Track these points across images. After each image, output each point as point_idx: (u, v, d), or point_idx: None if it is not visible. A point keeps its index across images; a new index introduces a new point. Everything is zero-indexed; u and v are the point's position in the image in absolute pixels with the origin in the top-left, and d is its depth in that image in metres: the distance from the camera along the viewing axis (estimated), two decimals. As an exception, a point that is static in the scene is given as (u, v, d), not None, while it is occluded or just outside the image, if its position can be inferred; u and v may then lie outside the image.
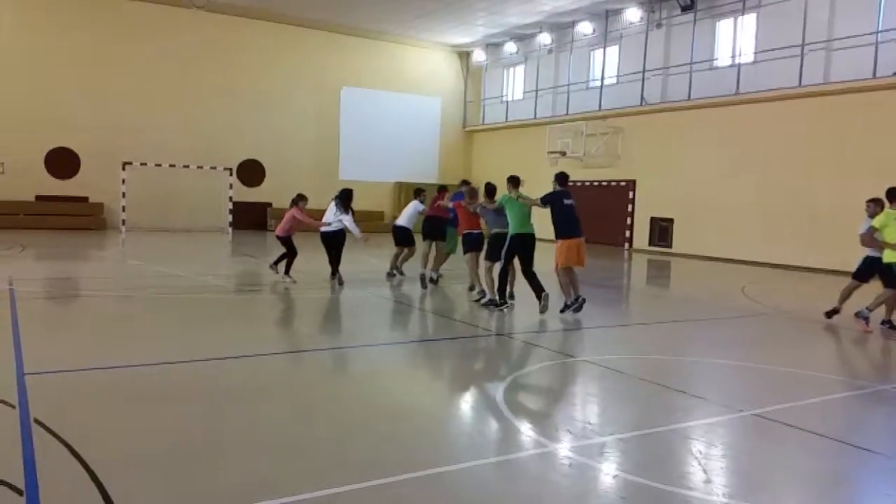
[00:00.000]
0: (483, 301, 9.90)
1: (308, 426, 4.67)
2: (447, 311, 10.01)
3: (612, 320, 10.19)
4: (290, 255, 11.80)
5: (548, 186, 9.70)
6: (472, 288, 10.86)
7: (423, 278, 11.77)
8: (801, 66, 17.73)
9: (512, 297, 10.08)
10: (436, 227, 12.29)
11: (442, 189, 12.71)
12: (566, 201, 9.36)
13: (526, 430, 4.66)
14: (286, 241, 11.84)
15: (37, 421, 4.36)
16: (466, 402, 5.49)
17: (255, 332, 8.39)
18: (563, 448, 4.33)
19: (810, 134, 17.76)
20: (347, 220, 11.53)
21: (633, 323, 9.55)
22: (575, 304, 9.29)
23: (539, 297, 9.25)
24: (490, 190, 10.25)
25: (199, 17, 24.24)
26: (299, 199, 12.01)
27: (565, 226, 9.30)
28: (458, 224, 11.35)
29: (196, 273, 12.56)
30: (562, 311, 9.32)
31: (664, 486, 3.82)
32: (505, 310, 9.57)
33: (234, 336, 7.78)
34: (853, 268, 9.93)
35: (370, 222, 27.64)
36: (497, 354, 7.36)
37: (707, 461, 4.29)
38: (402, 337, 7.96)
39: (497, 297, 9.64)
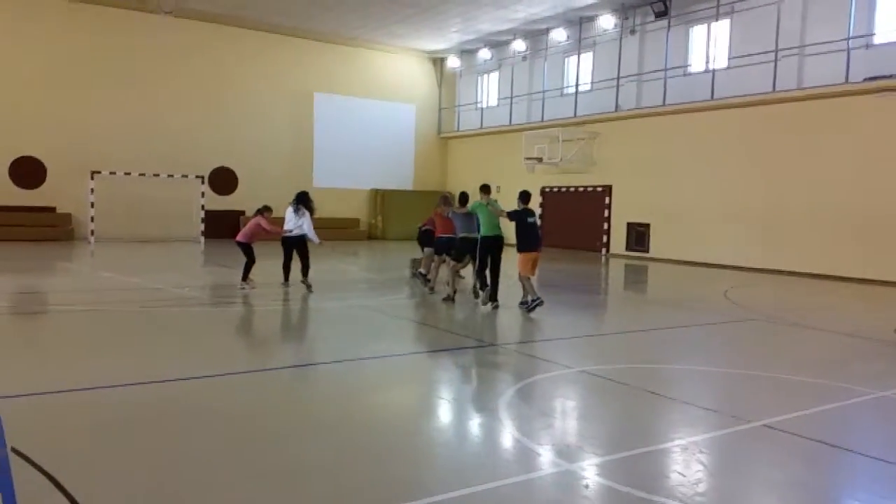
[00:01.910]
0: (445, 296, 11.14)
1: (301, 449, 4.43)
2: (434, 322, 9.81)
3: (602, 328, 10.09)
4: (249, 262, 11.93)
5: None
6: (477, 294, 11.15)
7: (423, 277, 12.37)
8: (775, 71, 17.92)
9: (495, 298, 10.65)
10: (443, 241, 11.87)
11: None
12: (529, 219, 10.41)
13: (535, 448, 4.48)
14: (246, 247, 11.97)
15: (14, 450, 4.06)
16: (468, 419, 5.29)
17: (238, 347, 8.14)
18: (578, 467, 4.16)
19: (784, 139, 17.95)
20: (307, 227, 11.77)
21: (626, 331, 9.44)
22: (531, 304, 10.12)
23: (483, 289, 10.67)
24: (463, 198, 11.25)
25: (169, 24, 23.76)
26: (264, 210, 12.13)
27: (525, 241, 10.35)
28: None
29: (172, 285, 12.18)
30: (528, 309, 10.14)
31: (687, 505, 3.67)
32: (491, 307, 10.43)
33: (218, 352, 7.50)
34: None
35: (346, 230, 27.42)
36: (492, 366, 7.18)
37: (722, 476, 4.17)
38: (391, 350, 7.72)
39: (452, 294, 11.01)
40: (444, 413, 5.44)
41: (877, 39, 16.66)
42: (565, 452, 4.44)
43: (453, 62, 29.02)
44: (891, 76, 15.75)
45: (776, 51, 17.86)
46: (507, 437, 4.74)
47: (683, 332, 9.36)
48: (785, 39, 17.81)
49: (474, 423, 5.14)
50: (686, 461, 4.47)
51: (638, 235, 22.39)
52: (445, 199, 11.84)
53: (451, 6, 22.63)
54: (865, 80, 16.20)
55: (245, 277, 11.92)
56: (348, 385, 6.14)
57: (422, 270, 12.73)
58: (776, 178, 18.13)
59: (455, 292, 11.11)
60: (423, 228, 13.00)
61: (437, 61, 29.93)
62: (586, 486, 3.90)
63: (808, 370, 7.14)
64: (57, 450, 4.22)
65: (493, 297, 10.54)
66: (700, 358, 7.87)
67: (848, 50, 16.55)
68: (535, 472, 4.12)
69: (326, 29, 25.82)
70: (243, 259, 11.96)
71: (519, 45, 25.87)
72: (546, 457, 4.36)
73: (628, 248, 22.56)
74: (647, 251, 21.88)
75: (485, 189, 10.81)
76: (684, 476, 4.19)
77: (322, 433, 4.74)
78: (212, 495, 3.69)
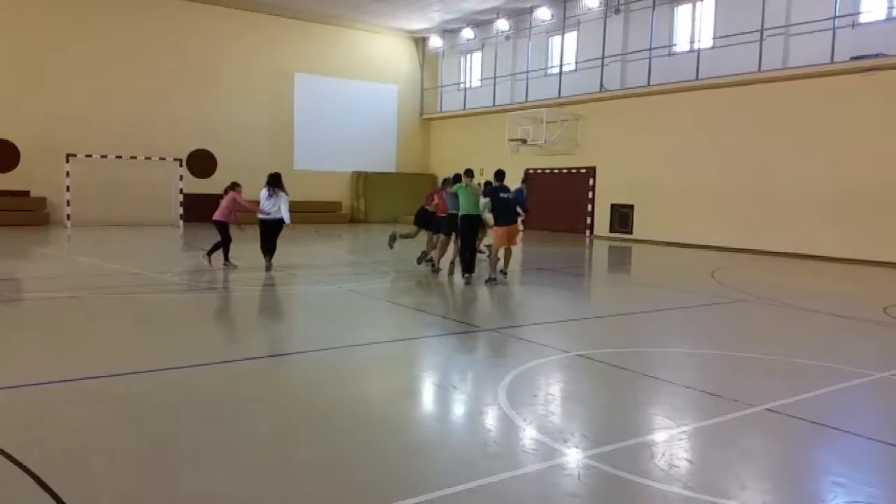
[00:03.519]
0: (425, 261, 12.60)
1: (296, 443, 4.26)
2: (425, 306, 9.66)
3: (594, 310, 10.00)
4: (226, 241, 12.01)
5: (510, 173, 11.97)
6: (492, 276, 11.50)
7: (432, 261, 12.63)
8: (760, 51, 17.85)
9: (504, 273, 11.78)
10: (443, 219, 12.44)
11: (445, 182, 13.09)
12: (502, 195, 11.29)
13: (542, 438, 4.35)
14: (223, 226, 12.04)
15: (-3, 448, 3.85)
16: (469, 408, 5.14)
17: (225, 334, 7.93)
18: (588, 456, 4.04)
19: (769, 118, 17.93)
20: (284, 208, 11.85)
21: (618, 313, 9.36)
22: (495, 276, 11.24)
23: (453, 264, 11.93)
24: (456, 179, 12.00)
25: (146, 1, 23.13)
26: (235, 186, 12.31)
27: (500, 215, 11.28)
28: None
29: (152, 270, 11.88)
30: (486, 282, 11.12)
31: (703, 495, 3.56)
32: (465, 280, 11.25)
33: (204, 340, 7.30)
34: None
35: (328, 213, 27.10)
36: (488, 351, 7.04)
37: (734, 464, 4.07)
38: (384, 336, 7.56)
39: (434, 264, 12.35)
40: (444, 402, 5.29)
41: (862, 18, 16.66)
42: (573, 441, 4.31)
43: (435, 42, 28.67)
44: (876, 55, 15.74)
45: (761, 30, 17.78)
46: (512, 426, 4.60)
47: (675, 314, 9.29)
48: (770, 19, 17.74)
49: (476, 413, 4.99)
50: (695, 448, 4.37)
51: (622, 217, 22.36)
52: (446, 181, 12.64)
53: (434, -16, 22.28)
54: (851, 59, 16.19)
55: (226, 258, 12.09)
56: (342, 373, 5.96)
57: (431, 256, 12.94)
58: (761, 158, 18.13)
59: (452, 265, 12.08)
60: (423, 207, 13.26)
61: (419, 41, 29.53)
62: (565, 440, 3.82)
63: (803, 352, 7.09)
64: (40, 446, 4.01)
65: (467, 269, 11.41)
66: (695, 340, 7.80)
67: (834, 29, 16.52)
68: (543, 463, 3.98)
69: (307, 8, 25.32)
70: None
71: (502, 25, 25.58)
72: (553, 446, 4.22)
73: (612, 229, 22.54)
74: (631, 232, 21.87)
75: (467, 173, 11.70)
76: (695, 464, 4.09)
77: (316, 425, 4.57)
78: (207, 492, 3.51)
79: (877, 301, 10.43)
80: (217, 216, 12.15)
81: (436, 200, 12.56)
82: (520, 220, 13.19)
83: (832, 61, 16.51)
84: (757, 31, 17.87)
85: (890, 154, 15.57)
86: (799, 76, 17.16)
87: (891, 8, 16.24)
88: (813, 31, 16.92)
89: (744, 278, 13.34)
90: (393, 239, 13.69)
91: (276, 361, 6.34)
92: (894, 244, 15.48)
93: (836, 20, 16.54)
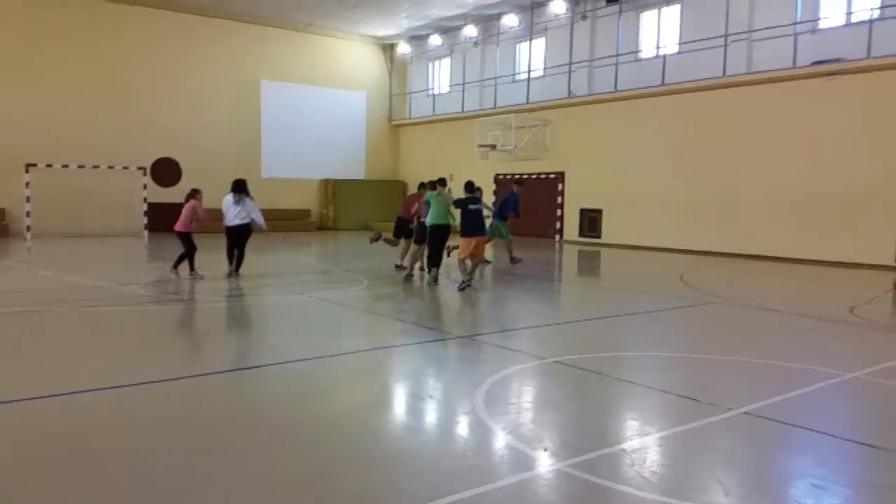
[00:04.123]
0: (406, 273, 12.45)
1: (271, 458, 4.12)
2: (398, 314, 9.55)
3: (567, 315, 9.99)
4: (191, 250, 11.79)
5: (479, 179, 12.51)
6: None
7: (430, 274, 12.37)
8: (725, 56, 18.13)
9: (469, 282, 11.35)
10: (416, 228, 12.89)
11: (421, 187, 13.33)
12: (471, 206, 11.38)
13: (522, 447, 4.28)
14: (186, 236, 11.81)
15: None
16: (447, 418, 5.05)
17: (194, 347, 7.73)
18: (569, 465, 3.97)
19: (734, 122, 18.20)
20: (255, 213, 11.87)
21: (591, 318, 9.35)
22: (464, 285, 11.07)
23: (422, 269, 12.31)
24: (431, 186, 12.18)
25: (107, 7, 22.69)
26: (196, 193, 12.01)
27: (466, 227, 11.31)
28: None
29: (116, 282, 11.57)
30: (459, 289, 11.02)
31: (685, 503, 3.52)
32: (430, 279, 11.68)
33: (172, 354, 7.09)
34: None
35: (297, 220, 26.79)
36: (463, 359, 6.96)
37: (715, 470, 4.05)
38: (357, 346, 7.43)
39: (409, 272, 12.36)
40: (422, 413, 5.19)
41: (822, 24, 17.00)
42: (553, 450, 4.25)
43: (403, 48, 28.59)
44: (836, 60, 16.09)
45: (725, 36, 18.06)
46: (491, 436, 4.53)
47: (648, 318, 9.32)
48: (734, 24, 18.03)
49: (454, 423, 4.91)
50: (675, 454, 4.34)
51: (590, 221, 22.50)
52: (423, 184, 12.98)
53: (401, -10, 22.23)
54: (812, 63, 16.52)
55: (191, 268, 11.88)
56: (315, 385, 5.83)
57: (402, 262, 13.34)
58: (726, 162, 18.39)
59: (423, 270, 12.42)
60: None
61: (387, 47, 29.44)
62: (545, 449, 3.75)
63: (775, 353, 7.15)
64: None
65: (430, 271, 11.79)
66: (668, 343, 7.82)
67: (795, 34, 16.85)
68: (524, 473, 3.91)
69: (273, 14, 25.08)
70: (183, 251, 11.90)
71: (470, 31, 25.61)
72: (533, 455, 4.16)
73: (581, 233, 22.66)
74: (600, 237, 22.01)
75: (440, 182, 11.91)
76: (676, 470, 4.05)
77: (291, 440, 4.44)
78: (178, 515, 3.37)
79: (843, 301, 10.59)
80: (178, 227, 11.90)
81: (416, 207, 12.70)
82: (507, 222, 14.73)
83: (794, 66, 16.83)
84: (721, 37, 18.14)
85: (852, 156, 15.91)
86: (762, 80, 17.46)
87: (849, 14, 16.61)
88: (775, 37, 17.23)
89: (711, 281, 13.47)
90: (376, 238, 14.19)
91: (245, 375, 6.17)
92: (857, 245, 15.80)
93: (798, 26, 16.88)
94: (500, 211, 14.91)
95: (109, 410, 4.95)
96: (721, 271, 15.17)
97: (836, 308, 9.99)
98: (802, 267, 15.79)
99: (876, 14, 15.75)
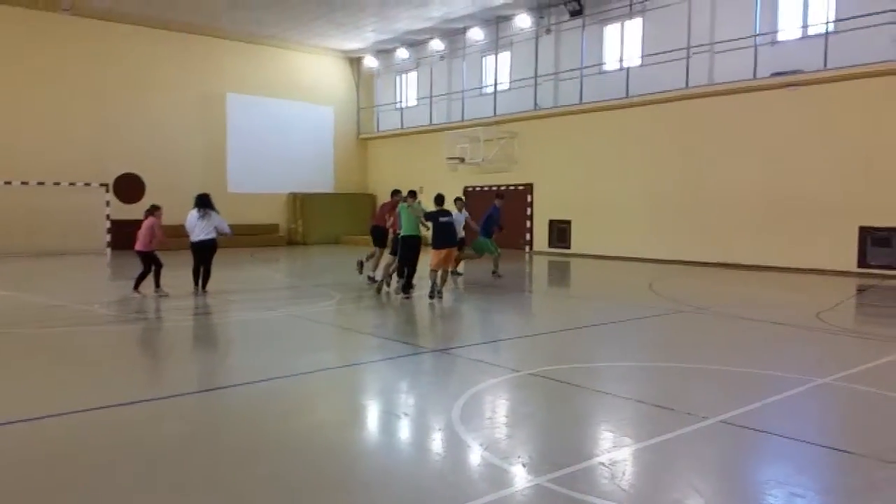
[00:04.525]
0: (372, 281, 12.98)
1: (239, 482, 3.99)
2: (369, 328, 9.42)
3: (540, 327, 9.96)
4: (157, 268, 11.62)
5: (448, 192, 13.01)
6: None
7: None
8: (687, 68, 18.44)
9: (440, 294, 11.58)
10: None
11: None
12: (441, 219, 11.62)
13: (501, 464, 4.21)
14: (148, 255, 11.58)
15: None
16: (423, 435, 4.96)
17: (159, 368, 7.52)
18: (549, 480, 3.91)
19: (697, 133, 18.50)
20: (220, 223, 11.82)
21: (564, 329, 9.34)
22: (433, 295, 11.38)
23: (397, 279, 12.14)
24: (410, 194, 12.25)
25: (68, 22, 22.23)
26: (155, 209, 11.78)
27: (436, 239, 11.57)
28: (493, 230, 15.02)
29: (77, 301, 11.26)
30: (429, 297, 11.37)
31: (668, 515, 3.49)
32: (402, 297, 11.61)
33: (137, 376, 6.89)
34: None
35: (265, 235, 26.48)
36: (437, 374, 6.87)
37: (695, 481, 4.03)
38: (328, 363, 7.29)
39: (380, 284, 12.47)
40: (396, 429, 5.09)
41: (780, 36, 17.41)
42: (532, 465, 4.19)
43: (370, 62, 28.55)
44: (794, 72, 16.47)
45: (688, 48, 18.38)
46: (468, 452, 4.46)
47: (619, 328, 9.35)
48: (695, 37, 18.36)
49: (430, 439, 4.82)
50: (654, 465, 4.31)
51: (560, 232, 22.62)
52: (397, 191, 13.16)
53: (367, 4, 22.19)
54: (772, 75, 16.89)
55: (157, 285, 11.69)
56: (287, 405, 5.69)
57: (372, 274, 13.56)
58: (690, 172, 18.66)
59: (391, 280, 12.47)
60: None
61: (354, 61, 29.38)
62: (524, 465, 3.68)
63: (747, 361, 7.20)
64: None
65: (405, 288, 11.74)
66: (642, 353, 7.84)
67: (755, 46, 17.22)
68: (503, 490, 3.84)
69: (238, 28, 24.85)
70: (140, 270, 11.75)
71: (437, 45, 25.69)
72: (512, 471, 4.10)
73: (551, 244, 22.76)
74: (569, 247, 22.13)
75: (411, 194, 12.07)
76: (655, 482, 4.02)
77: (263, 463, 4.30)
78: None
79: (809, 307, 10.77)
80: (139, 246, 11.64)
81: (391, 220, 12.73)
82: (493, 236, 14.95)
83: (755, 77, 17.18)
84: (683, 49, 18.46)
85: (812, 164, 16.26)
86: (724, 91, 17.79)
87: (804, 27, 17.05)
88: (736, 49, 17.59)
89: (680, 289, 13.61)
90: (360, 265, 14.11)
91: (212, 396, 6.01)
92: (820, 252, 16.13)
93: (757, 38, 17.26)
94: (486, 227, 14.93)
95: (67, 437, 4.76)
96: (689, 280, 15.34)
97: (803, 314, 10.14)
98: (768, 274, 16.06)
99: (831, 27, 16.18)
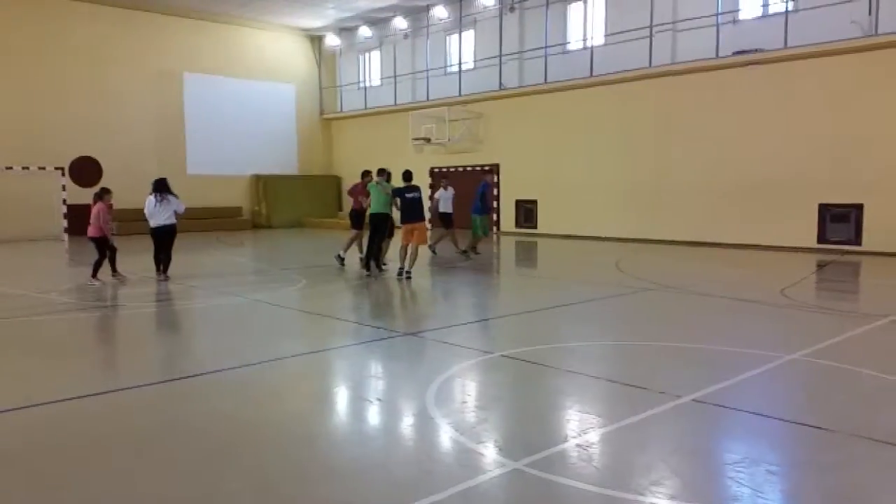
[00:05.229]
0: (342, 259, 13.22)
1: (222, 473, 3.87)
2: (338, 312, 9.30)
3: (509, 308, 9.95)
4: (111, 253, 11.44)
5: (415, 172, 12.67)
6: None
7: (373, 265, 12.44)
8: (651, 47, 18.49)
9: (409, 274, 11.60)
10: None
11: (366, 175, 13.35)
12: (408, 195, 11.68)
13: (476, 448, 4.16)
14: (101, 240, 11.32)
15: None
16: (397, 422, 4.89)
17: (122, 357, 7.31)
18: (527, 465, 3.87)
19: (661, 112, 18.61)
20: (178, 204, 11.60)
21: (533, 309, 9.33)
22: (402, 274, 11.49)
23: (365, 259, 12.38)
24: (379, 173, 12.41)
25: (19, 1, 21.34)
26: (104, 193, 11.52)
27: (404, 214, 11.72)
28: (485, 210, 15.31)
29: (36, 289, 10.90)
30: (397, 276, 11.54)
31: (645, 497, 3.48)
32: (373, 276, 11.89)
33: (100, 365, 6.68)
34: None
35: (228, 219, 26.02)
36: (409, 358, 6.79)
37: (671, 460, 4.03)
38: (298, 349, 7.14)
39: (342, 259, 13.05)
40: (369, 417, 5.00)
41: (742, 15, 17.55)
42: (508, 449, 4.15)
43: (332, 40, 28.08)
44: (756, 50, 16.62)
45: (650, 27, 18.42)
46: (444, 438, 4.39)
47: (588, 307, 9.38)
48: (658, 15, 18.41)
49: (405, 426, 4.75)
50: (630, 445, 4.31)
51: (526, 212, 22.67)
52: (367, 172, 13.18)
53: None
54: (734, 53, 17.03)
55: (114, 270, 11.52)
56: (256, 394, 5.55)
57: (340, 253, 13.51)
58: (655, 150, 18.80)
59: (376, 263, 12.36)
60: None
61: (315, 39, 28.85)
62: (500, 449, 3.64)
63: (716, 338, 7.28)
64: None
65: (375, 265, 12.05)
66: (611, 332, 7.87)
67: (717, 25, 17.33)
68: (482, 476, 3.78)
69: (192, 5, 24.14)
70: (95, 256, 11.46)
71: (400, 23, 25.34)
72: (489, 456, 4.05)
73: (518, 224, 22.80)
74: (536, 227, 22.20)
75: (381, 173, 12.22)
76: (632, 463, 4.01)
77: (235, 454, 4.18)
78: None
79: (773, 283, 10.94)
80: (91, 232, 11.38)
81: (367, 201, 12.57)
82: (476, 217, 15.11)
83: (717, 56, 17.31)
84: (646, 28, 18.50)
85: (773, 142, 16.50)
86: (687, 70, 17.90)
87: (765, 6, 17.20)
88: (698, 27, 17.69)
89: (646, 268, 13.73)
90: (340, 259, 13.44)
91: (178, 385, 5.83)
92: (782, 228, 16.42)
93: (719, 17, 17.36)
94: (483, 205, 15.16)
95: (26, 432, 4.57)
96: (655, 258, 15.49)
97: (768, 291, 10.29)
98: (732, 251, 16.31)
99: (791, 6, 16.34)
